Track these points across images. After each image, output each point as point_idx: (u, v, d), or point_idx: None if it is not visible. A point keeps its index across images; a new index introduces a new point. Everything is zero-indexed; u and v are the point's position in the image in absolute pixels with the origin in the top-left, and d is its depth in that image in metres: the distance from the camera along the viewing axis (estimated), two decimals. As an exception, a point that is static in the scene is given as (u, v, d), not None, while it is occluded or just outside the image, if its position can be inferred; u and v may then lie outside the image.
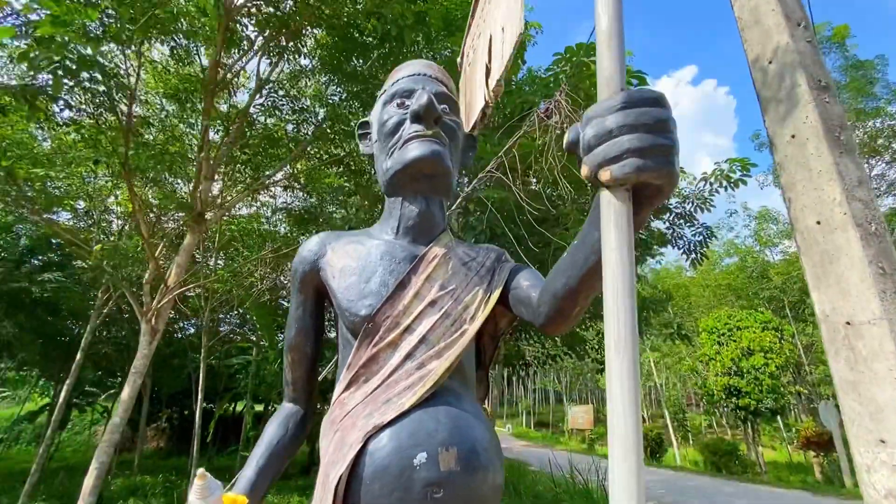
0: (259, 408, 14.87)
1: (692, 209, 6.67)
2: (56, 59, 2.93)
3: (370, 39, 5.74)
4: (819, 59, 2.64)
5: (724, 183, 6.12)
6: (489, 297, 1.10)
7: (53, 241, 11.21)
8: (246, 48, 5.26)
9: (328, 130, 6.28)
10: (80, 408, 14.46)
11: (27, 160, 4.58)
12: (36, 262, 12.08)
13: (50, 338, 12.24)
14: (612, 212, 0.59)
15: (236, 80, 5.98)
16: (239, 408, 16.99)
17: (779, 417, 19.76)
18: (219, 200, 5.86)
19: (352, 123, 6.75)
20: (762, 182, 19.60)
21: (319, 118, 6.43)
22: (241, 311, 11.93)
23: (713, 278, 23.79)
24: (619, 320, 0.56)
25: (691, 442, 25.19)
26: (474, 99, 1.54)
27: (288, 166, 6.64)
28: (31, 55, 2.66)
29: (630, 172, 0.57)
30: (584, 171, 0.62)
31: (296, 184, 7.78)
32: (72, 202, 8.78)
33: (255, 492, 1.00)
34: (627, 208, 0.59)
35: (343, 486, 0.87)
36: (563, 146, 0.66)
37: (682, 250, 7.06)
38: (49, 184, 6.87)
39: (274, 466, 1.07)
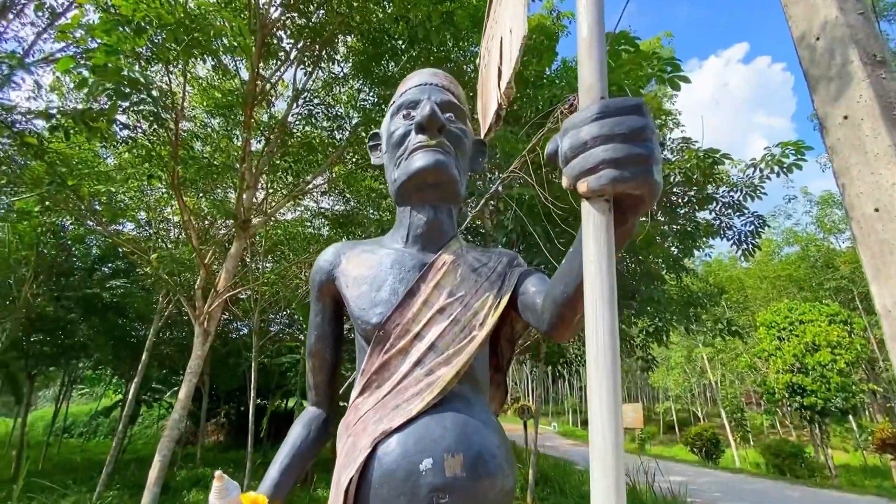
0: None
1: (741, 198, 6.29)
2: (109, 84, 3.18)
3: (399, 43, 5.82)
4: (873, 32, 2.43)
5: (776, 168, 5.73)
6: (499, 302, 1.11)
7: (119, 250, 12.15)
8: (282, 60, 5.49)
9: (363, 135, 6.43)
10: (147, 404, 15.55)
11: (91, 178, 5.01)
12: (106, 269, 13.13)
13: (120, 339, 13.26)
14: (591, 224, 0.59)
15: (274, 91, 6.24)
16: (290, 404, 17.72)
17: (850, 417, 18.31)
18: (263, 207, 6.16)
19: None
20: (823, 164, 18.18)
21: (353, 123, 6.60)
22: (289, 311, 12.44)
23: (771, 269, 22.35)
24: (598, 333, 0.55)
25: (751, 443, 23.84)
26: (489, 101, 1.54)
27: (326, 172, 6.86)
28: (89, 82, 2.91)
29: (605, 184, 0.56)
30: (564, 182, 0.62)
31: (334, 188, 8.02)
32: (133, 213, 9.48)
33: (279, 490, 1.06)
34: (607, 220, 0.58)
35: (353, 489, 0.91)
36: (545, 158, 0.66)
37: (731, 241, 6.69)
38: (112, 198, 7.47)
39: (297, 467, 1.12)
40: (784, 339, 16.12)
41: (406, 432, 0.93)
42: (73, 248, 12.11)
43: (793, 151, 5.65)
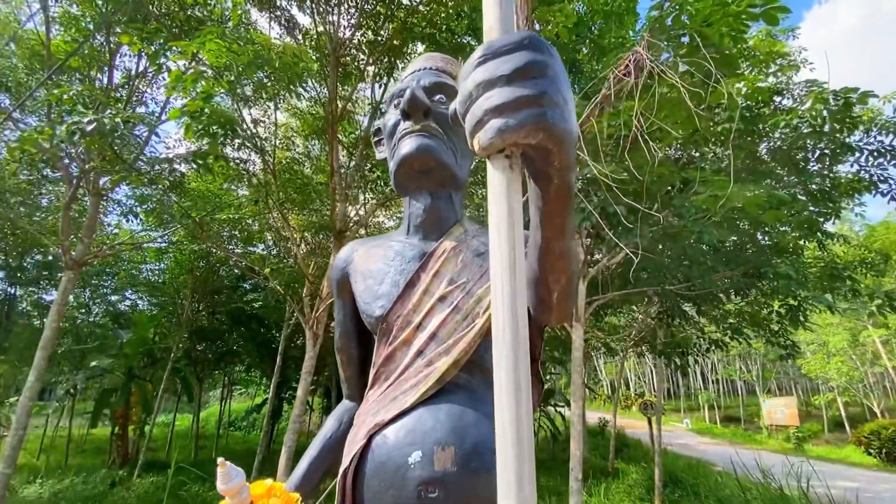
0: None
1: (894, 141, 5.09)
2: (213, 127, 3.69)
3: (467, 40, 5.82)
4: None
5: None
6: None
7: (256, 268, 14.04)
8: (358, 78, 5.84)
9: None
10: (287, 401, 17.61)
11: (209, 208, 5.93)
12: (246, 286, 15.18)
13: (262, 345, 15.22)
14: (492, 185, 0.52)
15: (354, 108, 6.66)
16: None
17: None
18: (355, 217, 6.62)
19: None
20: None
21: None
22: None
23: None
24: (501, 306, 0.49)
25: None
26: None
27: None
28: (193, 128, 3.41)
29: (493, 137, 0.49)
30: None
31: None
32: (261, 235, 10.84)
33: (306, 482, 1.11)
34: (506, 179, 0.51)
35: (350, 481, 0.92)
36: (450, 119, 0.59)
37: (888, 196, 5.45)
38: (243, 223, 8.65)
39: (327, 459, 1.17)
40: None
41: (399, 424, 0.92)
42: (220, 269, 14.22)
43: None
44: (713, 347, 7.24)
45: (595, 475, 11.03)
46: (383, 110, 1.27)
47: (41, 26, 5.55)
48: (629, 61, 2.32)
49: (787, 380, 34.14)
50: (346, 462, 0.93)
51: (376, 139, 1.37)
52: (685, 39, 3.04)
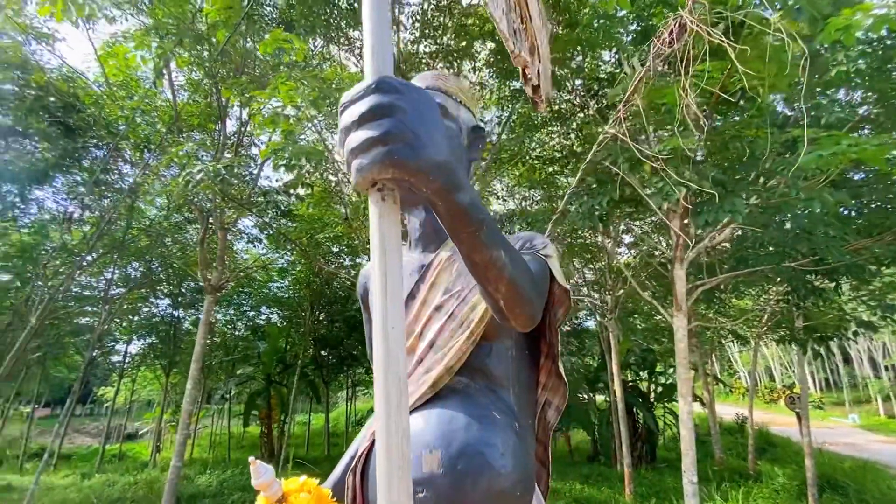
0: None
1: None
2: (300, 159, 4.15)
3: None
4: None
5: None
6: None
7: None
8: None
9: (513, 126, 6.53)
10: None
11: (311, 230, 6.61)
12: (357, 295, 16.42)
13: (377, 349, 16.35)
14: (371, 216, 0.57)
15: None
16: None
17: None
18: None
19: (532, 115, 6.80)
20: None
21: (504, 119, 6.77)
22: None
23: None
24: (383, 326, 0.54)
25: None
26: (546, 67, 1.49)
27: (487, 175, 7.21)
28: (277, 163, 3.89)
29: (356, 177, 0.55)
30: None
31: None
32: (364, 247, 11.74)
33: (338, 488, 1.23)
34: (379, 210, 0.56)
35: (358, 478, 1.02)
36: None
37: None
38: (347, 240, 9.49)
39: None
40: None
41: None
42: (332, 282, 15.63)
43: None
44: (862, 330, 6.09)
45: (732, 478, 9.93)
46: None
47: (168, 91, 6.69)
48: (674, 23, 2.10)
49: None
50: (352, 464, 1.03)
51: None
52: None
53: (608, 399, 12.72)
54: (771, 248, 5.09)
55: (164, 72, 5.99)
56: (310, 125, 4.96)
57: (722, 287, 6.56)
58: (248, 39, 5.90)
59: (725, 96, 2.91)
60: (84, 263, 8.43)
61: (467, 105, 1.31)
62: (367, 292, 1.33)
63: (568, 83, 7.08)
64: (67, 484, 11.83)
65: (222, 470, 11.30)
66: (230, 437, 17.79)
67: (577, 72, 6.87)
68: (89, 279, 10.73)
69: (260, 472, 1.03)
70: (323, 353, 17.27)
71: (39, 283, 8.35)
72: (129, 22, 5.88)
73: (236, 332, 15.91)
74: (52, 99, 6.47)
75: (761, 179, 3.81)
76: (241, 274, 9.69)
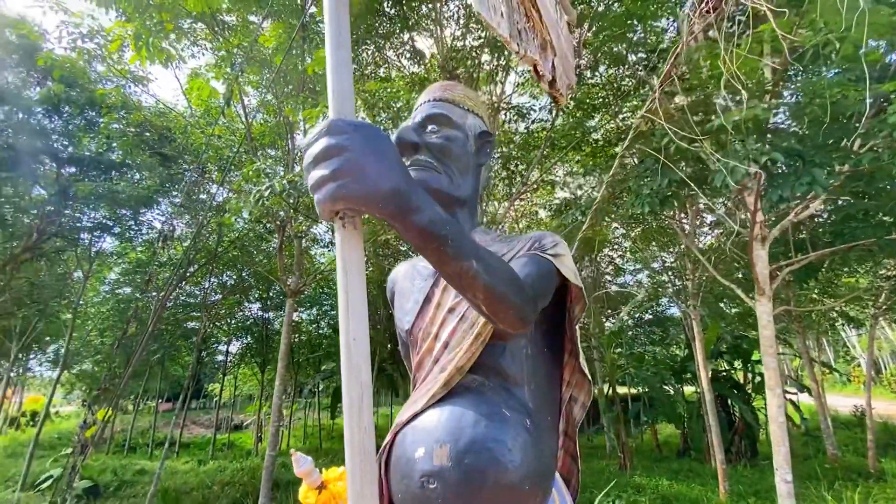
0: (622, 390, 15.39)
1: None
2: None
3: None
4: None
5: None
6: None
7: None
8: (477, 81, 6.08)
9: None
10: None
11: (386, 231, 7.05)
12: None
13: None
14: (336, 241, 0.64)
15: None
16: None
17: None
18: (490, 218, 6.87)
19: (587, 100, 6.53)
20: None
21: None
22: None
23: None
24: (342, 336, 0.61)
25: None
26: (568, 67, 1.49)
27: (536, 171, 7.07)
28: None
29: (318, 210, 0.62)
30: None
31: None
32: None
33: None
34: (340, 236, 0.63)
35: (383, 469, 1.10)
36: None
37: None
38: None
39: None
40: None
41: (412, 424, 1.06)
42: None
43: None
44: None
45: (847, 477, 8.91)
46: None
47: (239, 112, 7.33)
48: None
49: None
50: (377, 456, 1.12)
51: None
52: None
53: (698, 390, 11.92)
54: (874, 219, 4.51)
55: (234, 96, 6.58)
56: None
57: (825, 265, 5.89)
58: (308, 57, 6.30)
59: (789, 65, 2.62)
60: (187, 274, 9.53)
61: (476, 111, 1.34)
62: (393, 296, 1.42)
63: (631, 56, 6.72)
64: (187, 469, 13.47)
65: (315, 459, 12.21)
66: (321, 428, 19.11)
67: (636, 46, 6.50)
68: (192, 288, 12.10)
69: (301, 462, 1.16)
70: (398, 348, 17.95)
71: (154, 293, 9.57)
72: (206, 56, 6.54)
73: (320, 331, 17.03)
74: (147, 133, 7.38)
75: (850, 143, 3.37)
76: (319, 276, 10.36)
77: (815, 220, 5.66)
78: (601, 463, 12.57)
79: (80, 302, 10.88)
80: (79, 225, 8.93)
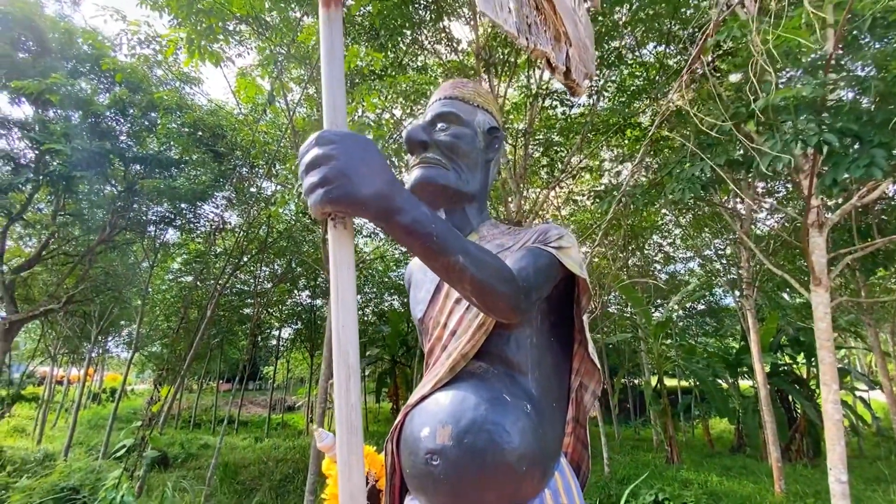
0: (671, 382, 14.92)
1: None
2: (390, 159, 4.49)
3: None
4: None
5: None
6: None
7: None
8: (509, 71, 5.99)
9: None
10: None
11: None
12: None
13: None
14: (329, 240, 0.71)
15: (506, 101, 6.81)
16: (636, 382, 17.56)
17: None
18: (530, 205, 6.79)
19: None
20: None
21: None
22: (614, 294, 12.62)
23: None
24: (338, 337, 0.68)
25: None
26: (587, 58, 1.50)
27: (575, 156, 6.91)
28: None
29: (312, 213, 0.69)
30: None
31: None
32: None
33: None
34: (332, 236, 0.69)
35: (395, 446, 1.18)
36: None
37: None
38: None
39: None
40: None
41: (419, 406, 1.13)
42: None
43: None
44: None
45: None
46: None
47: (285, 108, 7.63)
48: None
49: None
50: (388, 436, 1.21)
51: None
52: None
53: (754, 385, 11.34)
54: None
55: (277, 92, 6.86)
56: (400, 127, 5.29)
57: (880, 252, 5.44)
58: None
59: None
60: (241, 263, 10.12)
61: (485, 107, 1.37)
62: (409, 284, 1.49)
63: (679, 35, 6.41)
64: (245, 445, 14.44)
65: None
66: (367, 411, 19.83)
67: (686, 22, 6.18)
68: (246, 276, 12.82)
69: (322, 437, 1.27)
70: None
71: (211, 281, 10.24)
72: (251, 55, 6.85)
73: (364, 318, 17.59)
74: (200, 132, 7.86)
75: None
76: (361, 265, 10.67)
77: (884, 203, 5.21)
78: (647, 456, 12.28)
79: (148, 289, 11.83)
80: (145, 218, 9.70)
